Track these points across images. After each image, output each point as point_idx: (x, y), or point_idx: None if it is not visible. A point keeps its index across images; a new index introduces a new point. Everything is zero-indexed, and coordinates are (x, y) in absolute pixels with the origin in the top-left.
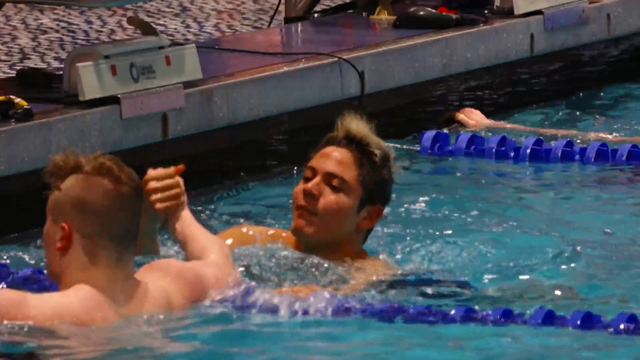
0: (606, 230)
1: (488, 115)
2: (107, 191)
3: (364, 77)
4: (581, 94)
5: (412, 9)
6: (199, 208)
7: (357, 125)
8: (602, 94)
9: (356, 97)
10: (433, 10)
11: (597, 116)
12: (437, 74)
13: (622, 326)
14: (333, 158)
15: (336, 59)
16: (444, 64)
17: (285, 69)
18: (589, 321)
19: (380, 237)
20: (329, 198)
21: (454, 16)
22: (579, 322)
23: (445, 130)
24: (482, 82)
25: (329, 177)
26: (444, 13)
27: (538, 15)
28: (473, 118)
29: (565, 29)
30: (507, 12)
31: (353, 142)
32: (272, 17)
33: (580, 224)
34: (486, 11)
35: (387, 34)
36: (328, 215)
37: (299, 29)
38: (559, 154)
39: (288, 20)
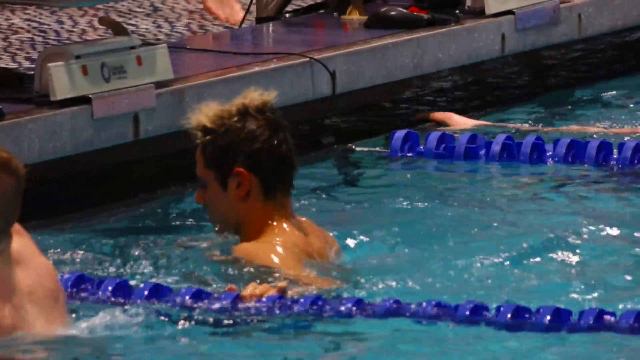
0: (572, 227)
1: (459, 114)
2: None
3: (335, 77)
4: (552, 94)
5: (383, 9)
6: (171, 209)
7: (195, 114)
8: (572, 94)
9: (327, 97)
10: (404, 10)
11: (568, 116)
12: (408, 74)
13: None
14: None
15: (307, 59)
16: (415, 64)
17: (257, 69)
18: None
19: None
20: (200, 198)
21: (425, 16)
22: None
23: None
24: (453, 82)
25: (198, 182)
26: (415, 13)
27: (509, 15)
28: (455, 122)
29: (537, 29)
30: (479, 12)
31: (197, 130)
32: (243, 17)
33: (551, 221)
34: (457, 11)
35: (359, 34)
36: (212, 211)
37: (270, 29)
38: (528, 151)
39: (259, 20)
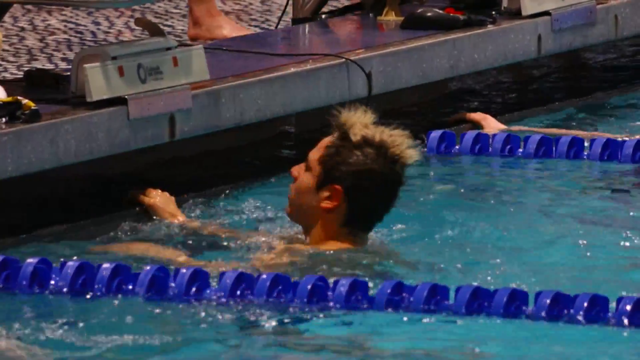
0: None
1: (495, 115)
2: None
3: (371, 78)
4: (589, 95)
5: (419, 10)
6: (209, 209)
7: (350, 113)
8: (609, 95)
9: (363, 98)
10: (440, 11)
11: (605, 117)
12: (444, 75)
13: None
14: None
15: (343, 59)
16: (451, 65)
17: (293, 69)
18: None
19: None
20: (295, 173)
21: (461, 17)
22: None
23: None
24: (489, 83)
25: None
26: (451, 14)
27: (545, 16)
28: (488, 124)
29: (573, 29)
30: (515, 13)
31: (337, 127)
32: (279, 18)
33: (583, 222)
34: (494, 12)
35: (395, 34)
36: (294, 193)
37: (307, 30)
38: (565, 149)
39: (295, 21)
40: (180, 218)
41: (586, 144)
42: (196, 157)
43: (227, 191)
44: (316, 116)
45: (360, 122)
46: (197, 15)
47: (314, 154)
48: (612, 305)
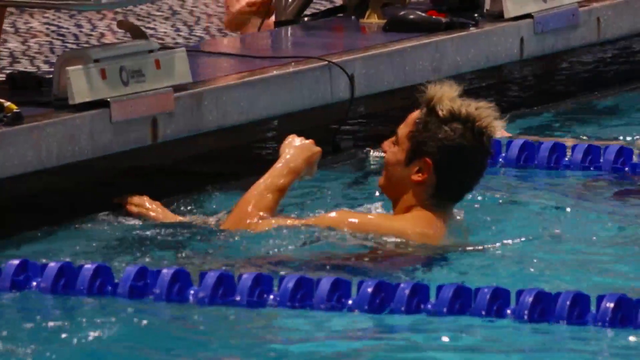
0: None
1: None
2: None
3: (354, 81)
4: (571, 98)
5: (402, 13)
6: (189, 209)
7: (438, 87)
8: (592, 97)
9: (346, 101)
10: (423, 14)
11: (588, 120)
12: (426, 78)
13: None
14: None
15: (326, 62)
16: (433, 68)
17: (275, 72)
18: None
19: None
20: (386, 147)
21: (443, 20)
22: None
23: None
24: (472, 85)
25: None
26: (433, 17)
27: (528, 19)
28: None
29: (555, 32)
30: (497, 16)
31: (425, 102)
32: (262, 21)
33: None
34: (476, 15)
35: (377, 37)
36: (386, 167)
37: (289, 32)
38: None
39: (278, 23)
40: (180, 218)
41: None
42: (179, 159)
43: (210, 193)
44: (299, 119)
45: (447, 96)
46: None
47: (403, 130)
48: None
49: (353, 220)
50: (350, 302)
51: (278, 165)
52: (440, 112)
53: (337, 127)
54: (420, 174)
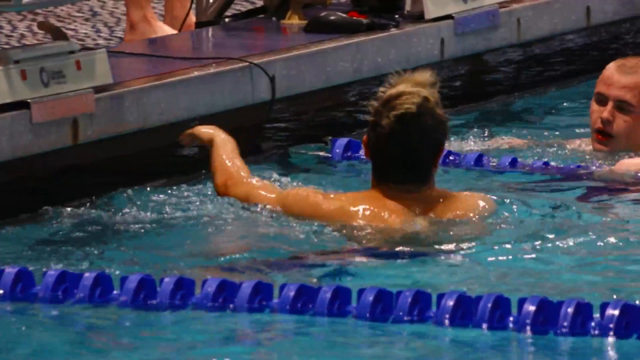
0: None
1: None
2: None
3: (275, 82)
4: (492, 98)
5: (322, 14)
6: (110, 211)
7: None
8: (513, 98)
9: (267, 102)
10: (344, 15)
11: (508, 120)
12: (348, 79)
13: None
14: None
15: (247, 63)
16: (354, 69)
17: (196, 73)
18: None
19: None
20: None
21: (364, 21)
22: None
23: None
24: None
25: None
26: (354, 17)
27: (449, 20)
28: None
29: (476, 33)
30: (418, 17)
31: None
32: (183, 22)
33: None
34: (397, 16)
35: (298, 38)
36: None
37: (210, 33)
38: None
39: (199, 24)
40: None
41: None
42: (100, 161)
43: (131, 194)
44: (220, 120)
45: (403, 80)
46: (134, 21)
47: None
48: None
49: (313, 200)
50: (272, 304)
51: (217, 140)
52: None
53: (259, 127)
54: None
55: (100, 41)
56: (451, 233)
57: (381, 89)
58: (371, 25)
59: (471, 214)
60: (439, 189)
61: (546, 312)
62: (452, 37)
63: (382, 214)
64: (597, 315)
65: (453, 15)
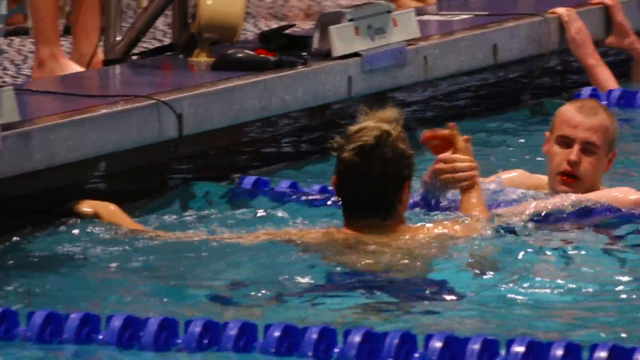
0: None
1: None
2: None
3: (182, 119)
4: None
5: (230, 51)
6: (19, 248)
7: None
8: (418, 135)
9: (175, 139)
10: (251, 53)
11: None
12: (255, 116)
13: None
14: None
15: (154, 101)
16: (262, 106)
17: (103, 111)
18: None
19: None
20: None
21: (272, 58)
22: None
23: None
24: (300, 123)
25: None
26: (262, 55)
27: (356, 58)
28: None
29: (383, 70)
30: (325, 55)
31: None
32: (90, 59)
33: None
34: (304, 53)
35: (206, 76)
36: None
37: (118, 71)
38: None
39: (106, 62)
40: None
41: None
42: (6, 198)
43: (39, 232)
44: (127, 157)
45: (368, 117)
46: (42, 58)
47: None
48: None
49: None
50: (179, 341)
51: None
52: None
53: (166, 164)
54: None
55: (7, 79)
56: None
57: (349, 127)
58: (279, 63)
59: (434, 251)
60: (413, 226)
61: (452, 349)
62: (359, 74)
63: (330, 248)
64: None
65: (360, 52)
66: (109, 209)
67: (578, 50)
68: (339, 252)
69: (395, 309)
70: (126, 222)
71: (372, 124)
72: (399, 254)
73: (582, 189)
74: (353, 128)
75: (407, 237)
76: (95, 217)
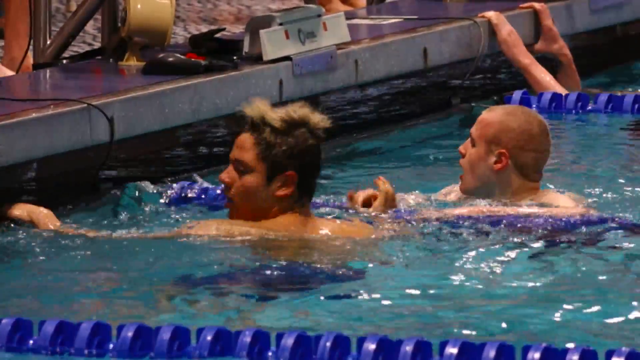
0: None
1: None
2: None
3: (114, 123)
4: (330, 140)
5: (160, 55)
6: None
7: (253, 106)
8: (350, 140)
9: (106, 143)
10: (182, 57)
11: (348, 162)
12: (186, 120)
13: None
14: (236, 145)
15: (85, 105)
16: (193, 110)
17: (34, 115)
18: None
19: None
20: (237, 183)
21: (202, 62)
22: None
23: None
24: (230, 128)
25: (235, 164)
26: (192, 59)
27: (287, 61)
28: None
29: (314, 74)
30: (256, 58)
31: (251, 124)
32: (20, 63)
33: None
34: (235, 57)
35: (136, 80)
36: (240, 197)
37: (48, 75)
38: None
39: (36, 66)
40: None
41: None
42: None
43: None
44: (58, 161)
45: (266, 110)
46: None
47: (245, 155)
48: None
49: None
50: (111, 346)
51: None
52: (276, 125)
53: (97, 169)
54: (284, 188)
55: None
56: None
57: (276, 121)
58: (209, 66)
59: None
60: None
61: (386, 351)
62: (290, 78)
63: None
64: None
65: (291, 56)
66: (42, 213)
67: (511, 51)
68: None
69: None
70: (58, 226)
71: (298, 109)
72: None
73: (467, 183)
74: (301, 114)
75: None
76: (28, 221)
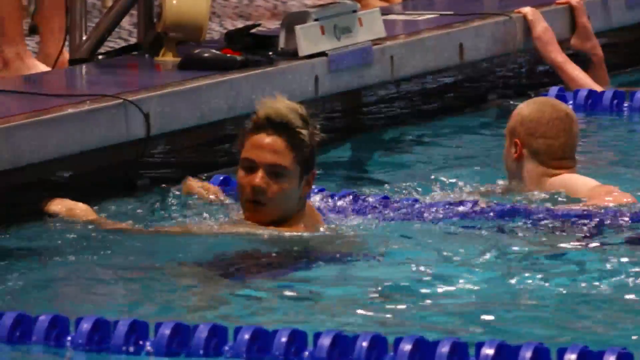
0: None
1: None
2: None
3: (150, 119)
4: (365, 135)
5: (196, 51)
6: None
7: (271, 106)
8: (385, 135)
9: (142, 139)
10: (218, 52)
11: (381, 158)
12: (222, 116)
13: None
14: (265, 148)
15: (121, 100)
16: (229, 106)
17: (70, 110)
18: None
19: None
20: (273, 187)
21: (238, 58)
22: None
23: None
24: None
25: (269, 168)
26: (228, 55)
27: (322, 57)
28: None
29: (350, 70)
30: (292, 54)
31: (279, 127)
32: (56, 59)
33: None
34: (271, 53)
35: (172, 75)
36: (276, 202)
37: (84, 70)
38: None
39: (72, 62)
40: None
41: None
42: None
43: (6, 234)
44: (94, 157)
45: (286, 111)
46: (7, 58)
47: (279, 159)
48: None
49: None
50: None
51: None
52: (301, 125)
53: (133, 164)
54: (307, 187)
55: None
56: None
57: (299, 121)
58: (245, 62)
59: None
60: None
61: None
62: (326, 74)
63: None
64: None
65: (327, 52)
66: (81, 208)
67: (545, 49)
68: None
69: None
70: (99, 219)
71: (295, 104)
72: None
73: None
74: (306, 114)
75: None
76: (66, 216)
